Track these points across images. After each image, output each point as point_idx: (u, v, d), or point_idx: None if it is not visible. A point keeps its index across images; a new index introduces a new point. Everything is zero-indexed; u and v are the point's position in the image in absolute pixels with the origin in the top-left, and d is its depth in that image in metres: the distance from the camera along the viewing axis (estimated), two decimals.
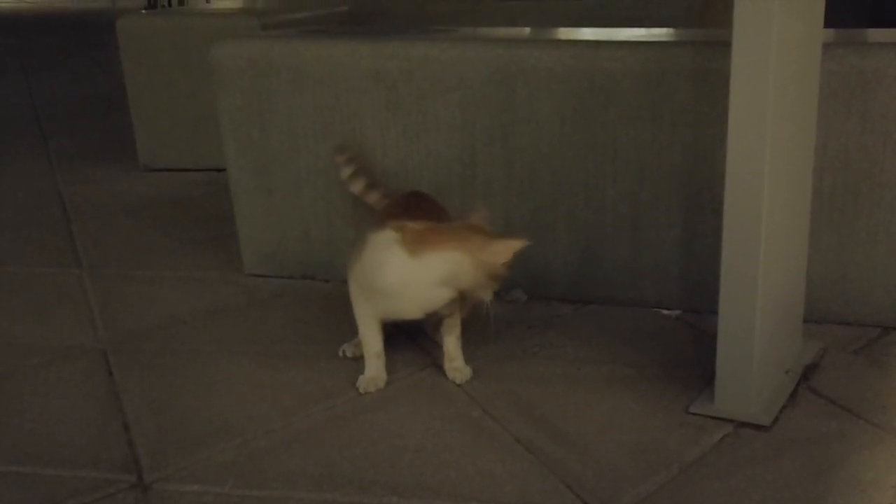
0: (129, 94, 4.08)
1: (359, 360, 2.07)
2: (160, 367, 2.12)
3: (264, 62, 2.54)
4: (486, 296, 1.88)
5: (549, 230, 2.39)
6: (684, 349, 2.15)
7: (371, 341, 2.00)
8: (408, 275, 1.84)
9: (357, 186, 2.29)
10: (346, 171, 2.31)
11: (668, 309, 2.34)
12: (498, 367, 2.06)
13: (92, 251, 2.97)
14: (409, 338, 2.20)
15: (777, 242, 1.82)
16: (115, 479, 1.65)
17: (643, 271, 2.35)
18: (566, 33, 2.68)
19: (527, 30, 3.03)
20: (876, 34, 2.35)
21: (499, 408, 1.88)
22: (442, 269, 1.83)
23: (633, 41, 2.35)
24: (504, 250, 1.83)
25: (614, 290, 2.37)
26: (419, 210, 2.05)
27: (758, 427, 1.78)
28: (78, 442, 1.79)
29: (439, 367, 2.06)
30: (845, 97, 2.10)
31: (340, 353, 2.13)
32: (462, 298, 1.94)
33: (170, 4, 12.40)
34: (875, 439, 1.75)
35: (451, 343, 2.03)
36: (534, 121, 2.33)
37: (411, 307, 1.91)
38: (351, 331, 2.17)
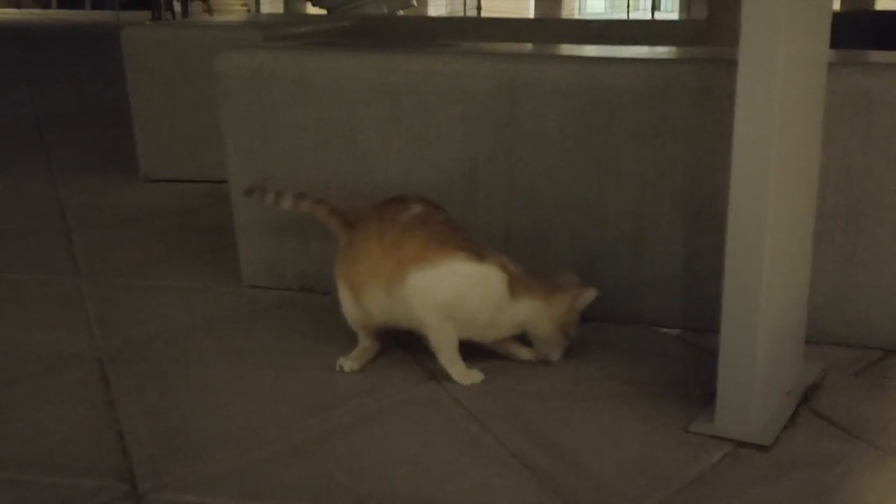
0: (131, 104, 4.08)
1: (355, 373, 2.06)
2: (157, 376, 2.11)
3: (268, 72, 2.54)
4: (554, 354, 2.12)
5: (550, 245, 2.38)
6: (684, 367, 2.14)
7: (453, 346, 2.06)
8: (501, 313, 2.02)
9: (287, 203, 2.26)
10: (269, 198, 2.28)
11: (668, 327, 2.33)
12: (496, 383, 2.04)
13: (91, 260, 2.96)
14: (407, 352, 2.19)
15: (780, 262, 1.82)
16: (109, 488, 1.63)
17: (644, 288, 2.34)
18: (570, 49, 2.68)
19: (530, 45, 3.03)
20: (880, 56, 2.35)
21: (496, 423, 1.87)
22: (526, 314, 2.04)
23: (637, 58, 2.35)
24: (577, 303, 2.06)
25: (614, 307, 2.36)
26: (435, 225, 2.05)
27: (758, 447, 1.77)
28: (72, 450, 1.77)
29: (437, 381, 2.05)
30: (849, 117, 2.09)
31: (338, 367, 2.11)
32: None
33: (173, 17, 12.44)
34: (876, 462, 1.73)
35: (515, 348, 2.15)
36: (537, 135, 2.33)
37: (491, 335, 2.09)
38: (349, 344, 2.16)
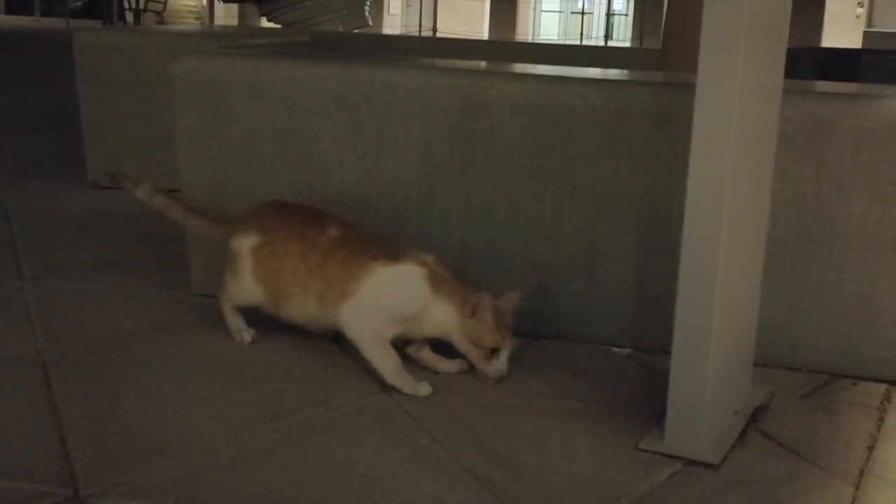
0: (81, 109, 4.02)
1: (303, 381, 2.04)
2: (101, 381, 2.07)
3: (225, 80, 2.52)
4: (489, 371, 2.07)
5: (505, 263, 2.38)
6: (635, 386, 2.15)
7: (393, 360, 2.09)
8: (427, 306, 2.06)
9: (143, 192, 2.41)
10: (127, 183, 2.44)
11: (619, 346, 2.34)
12: (447, 397, 2.03)
13: (35, 264, 2.90)
14: (358, 364, 2.17)
15: (732, 285, 1.84)
16: (50, 493, 1.59)
17: (596, 308, 2.35)
18: (529, 67, 2.70)
19: (490, 62, 3.04)
20: (832, 86, 2.39)
21: (448, 436, 1.86)
22: (441, 316, 2.06)
23: (596, 78, 2.38)
24: (479, 310, 2.03)
25: (567, 326, 2.37)
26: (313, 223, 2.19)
27: (707, 466, 1.78)
28: (13, 454, 1.72)
29: (388, 394, 2.03)
30: (802, 144, 2.13)
31: (238, 338, 2.28)
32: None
33: (125, 24, 12.33)
34: (822, 482, 1.75)
35: (424, 353, 2.19)
36: (494, 152, 2.34)
37: (423, 331, 2.12)
38: (299, 354, 2.15)
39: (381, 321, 2.08)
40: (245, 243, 2.24)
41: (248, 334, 2.30)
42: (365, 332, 2.09)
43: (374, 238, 2.19)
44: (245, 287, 2.25)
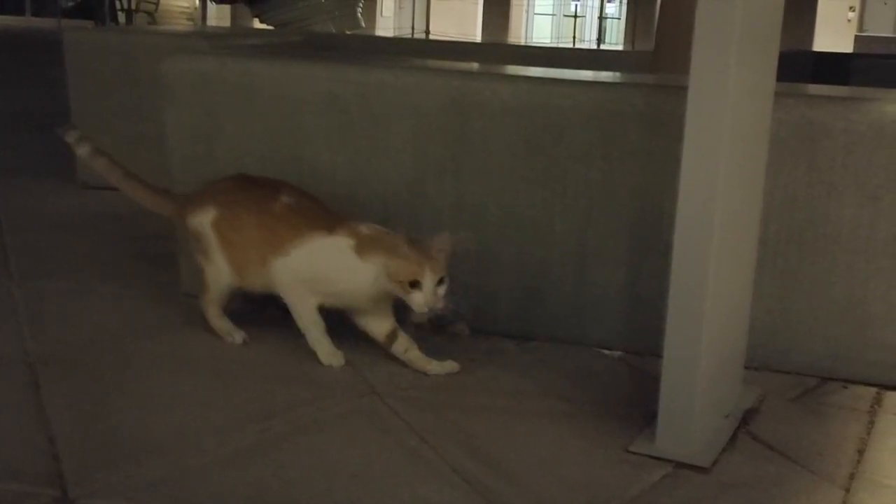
0: (72, 109, 4.00)
1: (294, 382, 2.03)
2: (90, 381, 2.06)
3: (216, 79, 2.51)
4: (419, 311, 2.08)
5: (496, 264, 2.38)
6: (625, 389, 2.15)
7: (319, 328, 2.18)
8: (359, 276, 2.09)
9: (84, 150, 2.48)
10: (72, 137, 2.50)
11: (609, 348, 2.34)
12: (437, 398, 2.03)
13: (24, 264, 2.89)
14: (349, 365, 2.17)
15: (723, 288, 1.84)
16: (38, 493, 1.58)
17: (587, 310, 2.34)
18: (521, 69, 2.69)
19: (483, 63, 3.03)
20: (823, 89, 2.39)
21: (437, 437, 1.85)
22: (375, 271, 2.07)
23: (588, 80, 2.37)
24: (395, 245, 2.05)
25: (557, 328, 2.37)
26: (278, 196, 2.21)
27: (697, 468, 1.78)
28: (1, 454, 1.71)
29: (378, 395, 2.03)
30: (794, 147, 2.13)
31: (230, 340, 2.29)
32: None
33: (116, 24, 12.30)
34: (811, 485, 1.75)
35: (412, 354, 2.19)
36: (485, 153, 2.33)
37: (359, 300, 2.16)
38: (287, 355, 2.14)
39: (305, 288, 2.16)
40: (205, 219, 2.25)
41: (238, 335, 2.30)
42: (293, 290, 2.18)
43: (323, 209, 2.22)
44: (221, 268, 2.26)
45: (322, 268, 2.15)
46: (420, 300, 2.04)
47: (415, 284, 2.03)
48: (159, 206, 2.41)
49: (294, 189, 2.25)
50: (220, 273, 2.27)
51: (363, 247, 2.10)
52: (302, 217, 2.18)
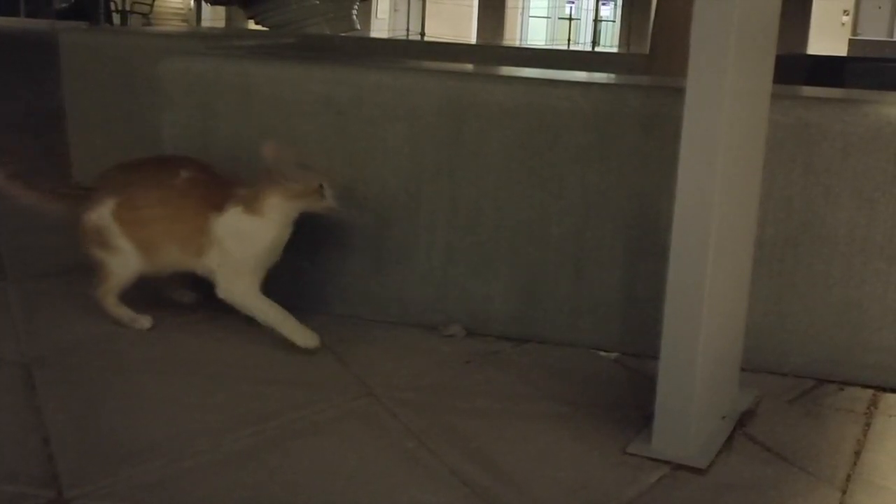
0: (67, 110, 3.99)
1: (286, 385, 2.03)
2: (84, 383, 2.05)
3: (212, 80, 2.50)
4: (323, 204, 2.22)
5: (492, 266, 2.38)
6: (622, 390, 2.14)
7: (279, 311, 2.23)
8: (266, 230, 2.22)
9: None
10: None
11: (606, 350, 2.33)
12: (434, 400, 2.03)
13: (18, 264, 2.88)
14: (344, 366, 2.17)
15: (720, 290, 1.83)
16: (33, 495, 1.58)
17: (583, 312, 2.34)
18: (517, 70, 2.69)
19: (479, 65, 3.03)
20: (820, 91, 2.39)
21: (434, 439, 1.85)
22: (279, 213, 2.21)
23: (584, 81, 2.37)
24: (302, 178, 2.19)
25: (554, 330, 2.36)
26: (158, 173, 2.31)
27: (694, 470, 1.77)
28: None
29: (374, 397, 2.02)
30: (790, 149, 2.13)
31: (137, 326, 2.34)
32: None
33: (111, 25, 12.29)
34: (808, 487, 1.75)
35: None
36: (482, 155, 2.33)
37: (277, 253, 2.27)
38: (283, 357, 2.13)
39: (243, 278, 2.24)
40: (104, 211, 2.27)
41: (144, 320, 2.35)
42: (235, 290, 2.25)
43: (220, 180, 2.29)
44: (126, 256, 2.28)
45: (239, 247, 2.23)
46: (331, 203, 2.21)
47: (321, 191, 2.20)
48: (49, 207, 2.40)
49: (187, 159, 2.34)
50: (126, 260, 2.29)
51: (251, 204, 2.20)
52: (201, 199, 2.25)
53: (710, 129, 1.69)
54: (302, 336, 2.22)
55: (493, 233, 2.36)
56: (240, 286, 2.24)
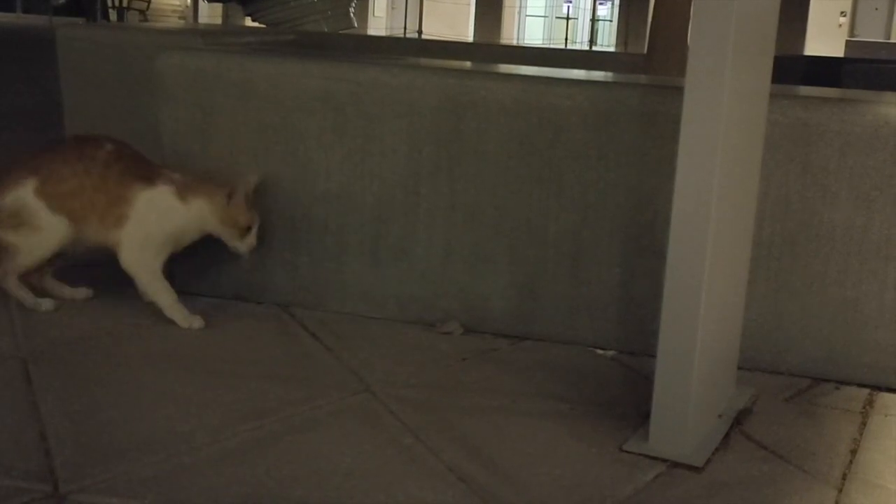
0: (64, 106, 3.98)
1: (288, 380, 2.03)
2: (82, 377, 2.05)
3: (211, 76, 2.50)
4: (241, 248, 2.39)
5: (490, 263, 2.38)
6: (619, 388, 2.14)
7: (170, 292, 2.37)
8: (185, 219, 2.35)
9: None
10: None
11: (603, 348, 2.34)
12: (431, 397, 2.03)
13: None
14: (342, 363, 2.17)
15: (718, 288, 1.84)
16: (30, 489, 1.57)
17: (581, 310, 2.34)
18: (517, 68, 2.69)
19: (478, 62, 3.03)
20: (818, 91, 2.40)
21: (432, 436, 1.85)
22: (196, 213, 2.33)
23: (584, 80, 2.37)
24: (232, 196, 2.33)
25: (551, 327, 2.37)
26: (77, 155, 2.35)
27: (691, 468, 1.78)
28: None
29: (372, 393, 2.02)
30: (788, 148, 2.13)
31: (42, 308, 2.41)
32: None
33: (108, 22, 12.27)
34: (805, 485, 1.75)
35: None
36: (480, 152, 2.33)
37: (181, 244, 2.39)
38: (282, 354, 2.13)
39: (149, 253, 2.35)
40: (24, 192, 2.31)
41: (48, 303, 2.43)
42: (137, 263, 2.35)
43: (143, 157, 2.40)
44: (47, 230, 2.33)
45: (156, 222, 2.33)
46: (252, 242, 2.37)
47: (248, 230, 2.36)
48: None
49: (108, 138, 2.39)
50: (46, 236, 2.34)
51: (183, 192, 2.32)
52: (125, 172, 2.33)
53: (709, 129, 1.69)
54: (185, 318, 2.35)
55: (491, 230, 2.36)
56: (143, 259, 2.34)
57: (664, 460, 1.79)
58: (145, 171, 2.36)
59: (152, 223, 2.33)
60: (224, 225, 2.35)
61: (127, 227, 2.32)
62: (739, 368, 2.13)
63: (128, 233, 2.32)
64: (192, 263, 2.61)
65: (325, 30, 8.86)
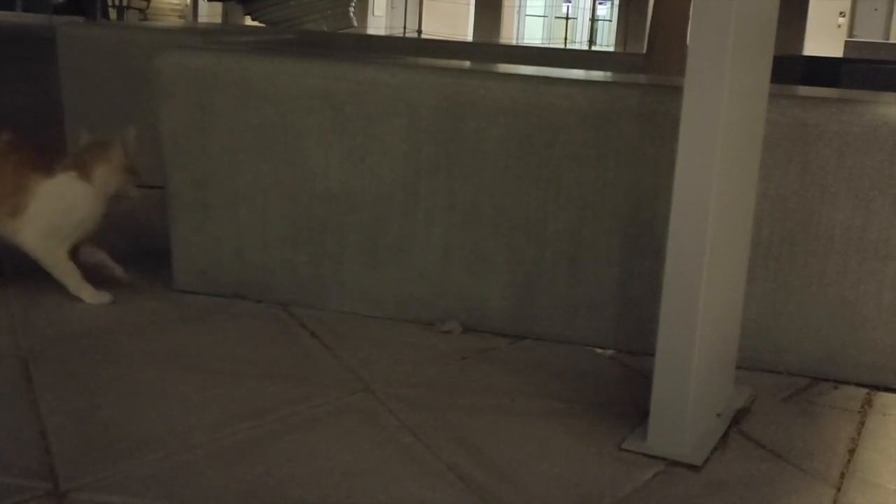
0: (64, 104, 3.99)
1: (288, 382, 2.03)
2: (82, 376, 2.05)
3: (210, 75, 2.50)
4: (133, 192, 2.48)
5: (489, 263, 2.38)
6: (617, 387, 2.15)
7: (75, 272, 2.45)
8: (94, 199, 2.41)
9: None
10: None
11: (602, 347, 2.34)
12: (430, 396, 2.03)
13: (15, 259, 2.86)
14: (342, 362, 2.17)
15: (716, 288, 1.84)
16: (30, 487, 1.58)
17: (580, 309, 2.34)
18: (516, 68, 2.69)
19: (477, 62, 3.04)
20: (817, 91, 2.40)
21: (430, 435, 1.85)
22: (107, 177, 2.41)
23: (583, 80, 2.38)
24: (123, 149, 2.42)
25: (550, 327, 2.37)
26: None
27: (689, 467, 1.78)
28: None
29: (371, 392, 2.03)
30: (787, 148, 2.14)
31: None
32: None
33: (108, 21, 12.27)
34: (803, 484, 1.76)
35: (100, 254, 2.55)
36: (479, 152, 2.33)
37: (96, 223, 2.45)
38: (282, 352, 2.13)
39: (54, 241, 2.39)
40: None
41: None
42: (40, 247, 2.39)
43: (39, 146, 2.43)
44: None
45: (63, 211, 2.38)
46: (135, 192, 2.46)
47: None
48: None
49: (6, 128, 2.41)
50: None
51: (83, 169, 2.38)
52: (23, 162, 2.35)
53: (708, 128, 1.70)
54: (92, 295, 2.45)
55: (491, 229, 2.36)
56: (47, 246, 2.39)
57: (663, 459, 1.80)
58: (41, 159, 2.39)
59: (60, 214, 2.38)
60: (128, 173, 2.43)
61: (25, 216, 2.35)
62: (738, 368, 2.13)
63: (26, 223, 2.36)
64: (192, 263, 2.61)
65: (325, 29, 8.86)
